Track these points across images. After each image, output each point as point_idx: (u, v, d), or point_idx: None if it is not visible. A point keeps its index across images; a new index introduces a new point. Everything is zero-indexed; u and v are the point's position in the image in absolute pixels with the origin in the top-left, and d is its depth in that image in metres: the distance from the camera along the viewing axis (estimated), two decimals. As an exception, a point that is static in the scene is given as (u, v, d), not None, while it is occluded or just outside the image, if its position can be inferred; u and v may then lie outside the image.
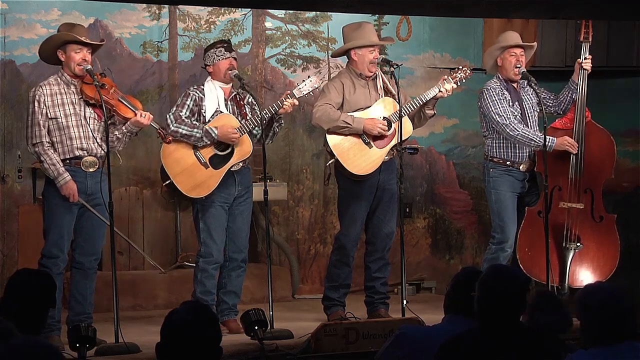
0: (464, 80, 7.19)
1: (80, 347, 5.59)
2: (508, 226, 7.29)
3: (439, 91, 7.02)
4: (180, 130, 6.68)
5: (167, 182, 6.76)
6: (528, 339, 3.89)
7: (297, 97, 6.85)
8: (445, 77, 7.12)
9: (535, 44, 7.53)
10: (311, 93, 6.98)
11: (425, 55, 9.00)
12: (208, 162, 6.76)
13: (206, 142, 6.71)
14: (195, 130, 6.68)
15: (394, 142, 7.01)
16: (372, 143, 7.00)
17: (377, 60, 7.06)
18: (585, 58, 7.37)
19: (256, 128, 6.80)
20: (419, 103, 7.02)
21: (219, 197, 6.77)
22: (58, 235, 6.41)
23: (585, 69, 7.36)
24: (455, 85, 7.09)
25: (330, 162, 7.06)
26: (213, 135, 6.70)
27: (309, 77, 7.03)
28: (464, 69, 7.18)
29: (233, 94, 6.88)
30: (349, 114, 6.96)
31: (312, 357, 6.14)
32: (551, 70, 8.48)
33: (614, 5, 6.55)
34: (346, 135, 6.97)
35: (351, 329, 6.27)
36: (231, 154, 6.80)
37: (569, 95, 7.40)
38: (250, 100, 6.91)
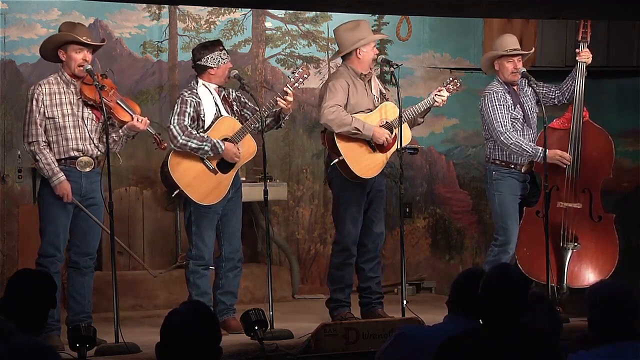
0: (453, 92, 7.20)
1: (80, 347, 5.59)
2: (511, 228, 7.28)
3: (435, 102, 7.08)
4: (189, 144, 6.62)
5: (175, 193, 6.74)
6: (528, 339, 3.89)
7: (291, 90, 6.84)
8: (440, 88, 7.17)
9: (532, 50, 7.52)
10: (302, 80, 6.91)
11: (425, 55, 8.99)
12: (216, 168, 6.76)
13: (211, 155, 6.72)
14: (205, 143, 6.64)
15: (394, 147, 7.01)
16: (375, 147, 7.01)
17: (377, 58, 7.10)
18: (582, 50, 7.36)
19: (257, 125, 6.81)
20: (417, 111, 7.07)
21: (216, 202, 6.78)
22: (54, 235, 6.42)
23: (583, 61, 7.35)
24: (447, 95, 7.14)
25: (334, 161, 7.01)
26: (219, 150, 6.68)
27: (298, 67, 7.03)
28: (454, 81, 7.21)
29: (222, 94, 6.88)
30: (357, 116, 6.94)
31: (312, 357, 6.15)
32: (551, 70, 8.47)
33: (614, 5, 6.54)
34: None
35: (351, 329, 6.27)
36: None
37: (573, 83, 7.38)
38: (234, 95, 6.91)
